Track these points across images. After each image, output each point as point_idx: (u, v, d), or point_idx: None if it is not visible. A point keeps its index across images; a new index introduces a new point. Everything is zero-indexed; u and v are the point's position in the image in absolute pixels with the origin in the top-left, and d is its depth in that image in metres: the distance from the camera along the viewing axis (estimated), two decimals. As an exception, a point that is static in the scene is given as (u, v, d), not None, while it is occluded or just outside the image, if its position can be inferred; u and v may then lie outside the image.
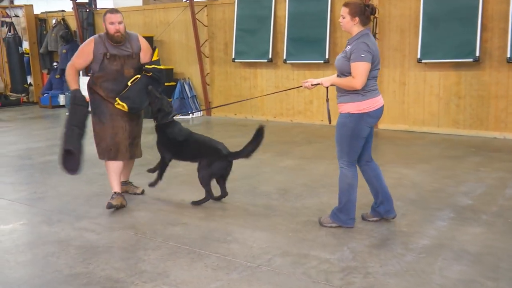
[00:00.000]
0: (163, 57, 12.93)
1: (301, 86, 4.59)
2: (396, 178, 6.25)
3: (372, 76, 4.35)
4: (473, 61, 8.70)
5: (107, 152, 5.21)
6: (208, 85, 12.24)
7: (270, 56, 10.95)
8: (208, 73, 12.18)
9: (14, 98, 14.84)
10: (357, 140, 4.39)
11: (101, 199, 5.56)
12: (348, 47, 4.34)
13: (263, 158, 7.46)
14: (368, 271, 3.67)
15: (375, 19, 9.46)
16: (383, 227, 4.55)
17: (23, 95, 14.98)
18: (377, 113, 4.42)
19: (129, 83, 5.18)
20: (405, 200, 5.35)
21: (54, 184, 6.22)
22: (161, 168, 5.42)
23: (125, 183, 5.70)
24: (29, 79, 15.19)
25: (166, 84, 12.26)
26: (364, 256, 3.94)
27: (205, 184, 5.20)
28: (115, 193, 5.16)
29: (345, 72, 4.34)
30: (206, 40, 12.05)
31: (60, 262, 3.97)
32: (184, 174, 6.67)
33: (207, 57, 12.12)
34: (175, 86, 12.34)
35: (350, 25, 4.36)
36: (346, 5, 4.38)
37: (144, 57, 5.28)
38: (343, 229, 4.51)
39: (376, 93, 4.42)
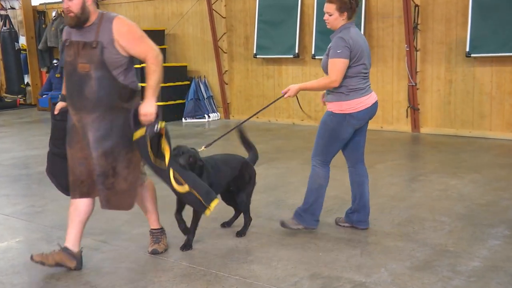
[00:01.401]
0: (175, 53, 13.05)
1: (283, 96, 4.81)
2: (442, 189, 6.19)
3: (355, 73, 4.54)
4: (531, 54, 8.58)
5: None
6: (227, 84, 12.29)
7: (296, 51, 10.95)
8: (226, 70, 12.23)
9: (9, 100, 15.10)
10: (336, 141, 4.66)
11: (107, 214, 5.60)
12: (330, 44, 4.59)
13: (289, 166, 7.46)
14: (409, 297, 3.63)
15: (416, 8, 9.42)
16: (427, 246, 4.51)
17: (19, 96, 15.24)
18: (363, 115, 4.62)
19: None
20: (451, 215, 5.29)
21: (54, 197, 6.28)
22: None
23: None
24: (27, 79, 15.46)
25: (179, 83, 12.37)
26: (404, 279, 3.90)
27: (249, 205, 4.99)
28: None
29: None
30: (224, 33, 12.12)
31: (60, 285, 4.01)
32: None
33: (225, 52, 12.18)
34: (189, 86, 12.42)
35: (338, 22, 4.60)
36: (331, 1, 4.59)
37: (127, 46, 4.12)
38: (380, 248, 4.48)
39: (362, 92, 4.61)
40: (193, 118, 12.27)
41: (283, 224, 4.87)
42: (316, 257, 4.35)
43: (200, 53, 12.72)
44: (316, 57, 10.65)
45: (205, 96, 12.40)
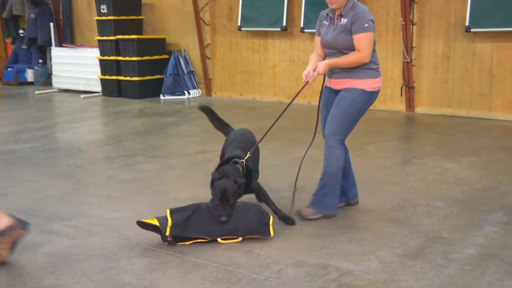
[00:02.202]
0: (153, 24, 12.95)
1: (306, 84, 4.81)
2: (437, 173, 6.23)
3: (374, 48, 4.71)
4: (534, 30, 8.61)
5: None
6: (209, 58, 12.24)
7: (284, 24, 10.91)
8: (208, 44, 12.17)
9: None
10: (358, 120, 4.82)
11: (77, 197, 5.59)
12: (344, 20, 4.65)
13: (274, 147, 7.46)
14: (399, 286, 3.66)
15: (413, -22, 9.41)
16: (420, 232, 4.54)
17: (-18, 70, 15.07)
18: (379, 91, 4.88)
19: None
20: (447, 201, 5.33)
21: (20, 178, 6.25)
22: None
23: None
24: (-10, 50, 15.27)
25: (157, 57, 12.29)
26: (395, 267, 3.93)
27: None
28: None
29: (350, 47, 4.67)
30: (206, 3, 12.03)
31: (25, 272, 3.99)
32: (178, 167, 6.69)
33: (207, 24, 12.10)
34: (168, 60, 12.35)
35: (343, 1, 4.66)
36: None
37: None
38: (370, 235, 4.51)
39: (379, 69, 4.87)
40: (172, 95, 12.22)
41: (299, 214, 4.84)
42: (301, 243, 4.37)
43: (180, 25, 12.62)
44: (306, 30, 10.62)
45: (185, 72, 12.34)
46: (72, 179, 6.24)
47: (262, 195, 4.79)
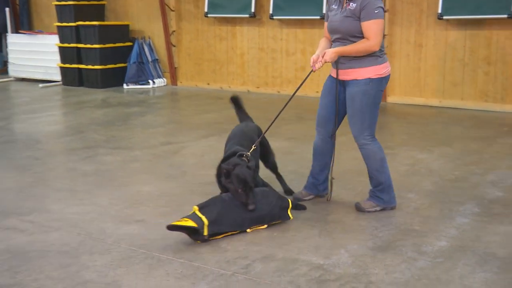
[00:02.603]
0: (116, 10, 12.82)
1: (313, 71, 4.82)
2: (409, 164, 6.29)
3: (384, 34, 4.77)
4: (508, 17, 8.74)
5: None
6: (174, 46, 12.17)
7: (252, 10, 10.90)
8: (173, 31, 12.10)
9: None
10: (377, 109, 4.80)
11: (35, 191, 5.52)
12: (352, 4, 4.60)
13: (243, 139, 7.45)
14: (370, 280, 3.70)
15: (385, -36, 9.46)
16: (391, 225, 4.59)
17: None
18: (389, 77, 4.87)
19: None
20: (419, 192, 5.39)
21: (-26, 172, 6.16)
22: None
23: None
24: None
25: (120, 44, 12.18)
26: (366, 261, 3.97)
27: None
28: None
29: (355, 34, 4.62)
30: (171, -12, 11.96)
31: (-19, 269, 3.93)
32: (142, 159, 6.66)
33: (173, 10, 12.02)
34: (131, 47, 12.25)
35: None
36: None
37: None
38: (341, 228, 4.54)
39: (385, 55, 4.84)
40: (135, 84, 12.14)
41: (358, 207, 4.92)
42: (270, 237, 4.38)
43: (144, 11, 12.52)
44: (275, 17, 10.62)
45: (150, 60, 12.26)
46: (30, 172, 6.16)
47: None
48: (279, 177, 5.37)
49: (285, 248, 4.18)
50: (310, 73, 4.96)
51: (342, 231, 4.48)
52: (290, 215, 4.62)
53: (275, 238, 4.36)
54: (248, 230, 4.45)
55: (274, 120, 5.07)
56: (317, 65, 4.69)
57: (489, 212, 4.85)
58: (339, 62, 4.74)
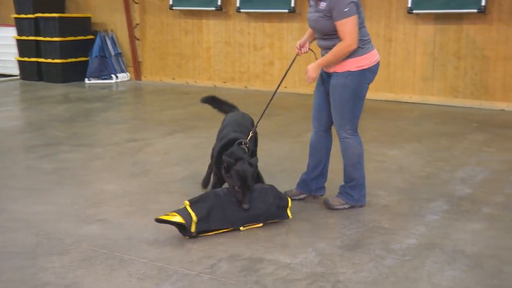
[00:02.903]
0: (77, 1, 12.69)
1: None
2: (379, 161, 6.35)
3: (362, 22, 4.68)
4: (478, 12, 8.86)
5: None
6: (138, 39, 12.09)
7: (219, 3, 10.88)
8: (137, 24, 12.02)
9: None
10: (360, 102, 4.80)
11: (-9, 190, 5.46)
12: (323, 4, 4.61)
13: (210, 135, 7.42)
14: (338, 279, 3.72)
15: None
16: (359, 222, 4.63)
17: None
18: (377, 68, 4.83)
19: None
20: (388, 189, 5.44)
21: None
22: None
23: None
24: None
25: (81, 37, 12.07)
26: (334, 259, 3.99)
27: None
28: None
29: (330, 33, 4.64)
30: (135, -20, 11.88)
31: None
32: (105, 156, 6.61)
33: (136, 3, 11.95)
34: (93, 41, 12.14)
35: None
36: None
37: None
38: (308, 226, 4.57)
39: (372, 44, 4.83)
40: (98, 79, 12.04)
41: (327, 204, 4.93)
42: (236, 236, 4.38)
43: (106, 3, 12.42)
44: (242, 10, 10.62)
45: (112, 54, 12.17)
46: (-14, 170, 6.08)
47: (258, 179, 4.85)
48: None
49: (251, 247, 4.19)
50: (295, 58, 5.07)
51: (310, 230, 4.50)
52: (289, 214, 4.59)
53: (241, 237, 4.37)
54: (241, 228, 4.44)
55: (264, 111, 5.15)
56: (303, 50, 4.94)
57: (458, 209, 4.92)
58: (322, 55, 4.79)
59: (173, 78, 11.91)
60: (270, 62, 10.62)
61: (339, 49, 4.59)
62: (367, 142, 7.09)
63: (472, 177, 5.78)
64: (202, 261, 3.97)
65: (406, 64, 9.63)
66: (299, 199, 5.09)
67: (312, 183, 5.09)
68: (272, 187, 4.68)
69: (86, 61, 12.11)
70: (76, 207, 5.00)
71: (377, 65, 4.80)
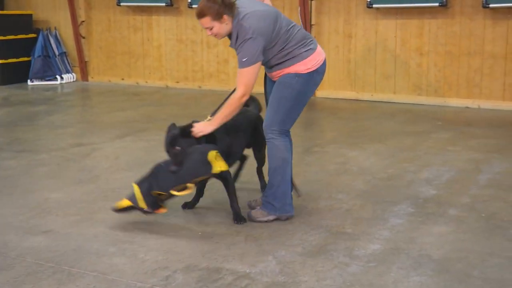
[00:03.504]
0: (17, -2, 12.50)
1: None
2: (340, 163, 6.39)
3: (295, 32, 4.63)
4: (440, 5, 9.01)
5: None
6: (84, 38, 11.97)
7: (169, -2, 10.84)
8: (83, 21, 11.91)
9: None
10: (300, 105, 4.76)
11: None
12: (232, 41, 4.62)
13: (160, 138, 7.36)
14: (300, 288, 3.74)
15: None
16: (321, 228, 4.65)
17: None
18: (324, 68, 4.79)
19: None
20: (350, 192, 5.48)
21: None
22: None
23: None
24: None
25: (22, 36, 11.89)
26: (295, 267, 4.00)
27: None
28: None
29: (273, 63, 4.72)
30: (79, -26, 11.76)
31: None
32: (50, 162, 6.52)
33: (81, -2, 11.83)
34: (35, 40, 11.97)
35: (225, 29, 4.57)
36: (201, 15, 4.52)
37: None
38: (268, 233, 4.57)
39: (316, 43, 4.80)
40: (41, 80, 11.89)
41: (250, 217, 4.77)
42: (192, 245, 4.36)
43: (49, -1, 12.27)
44: (194, 6, 10.57)
45: (57, 53, 12.04)
46: None
47: (225, 183, 4.79)
48: (260, 172, 5.37)
49: (208, 256, 4.17)
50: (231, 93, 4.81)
51: (269, 237, 4.50)
52: (215, 167, 4.48)
53: (197, 246, 4.35)
54: (175, 192, 4.50)
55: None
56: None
57: (423, 212, 4.98)
58: (268, 67, 4.77)
59: (122, 79, 11.81)
60: (225, 60, 10.62)
61: (231, 100, 4.57)
62: (326, 143, 7.16)
63: (437, 178, 5.86)
64: (156, 273, 3.94)
65: (367, 61, 9.73)
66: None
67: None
68: (205, 146, 4.60)
69: (28, 62, 11.94)
70: (19, 217, 4.91)
71: (323, 65, 4.75)
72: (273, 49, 4.59)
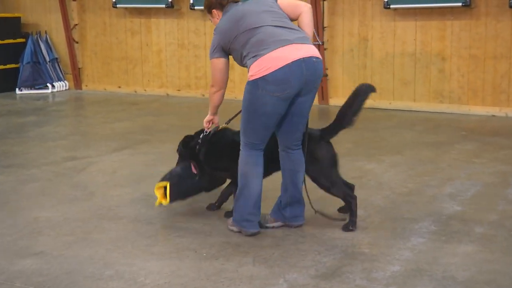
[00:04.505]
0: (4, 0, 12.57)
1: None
2: (356, 176, 6.37)
3: (249, 37, 4.72)
4: (463, 5, 9.01)
5: None
6: (77, 42, 12.03)
7: (170, 0, 10.87)
8: (76, 24, 11.96)
9: None
10: (255, 118, 4.75)
11: None
12: None
13: (162, 151, 7.43)
14: (314, 314, 3.73)
15: None
16: (336, 248, 4.63)
17: None
18: (281, 76, 4.59)
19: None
20: (367, 208, 5.46)
21: None
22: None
23: None
24: None
25: (10, 41, 11.94)
26: (308, 291, 4.00)
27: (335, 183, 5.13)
28: None
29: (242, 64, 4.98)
30: (72, -26, 11.82)
31: None
32: (41, 178, 6.53)
33: (74, 0, 11.87)
34: (24, 45, 12.02)
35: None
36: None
37: None
38: (278, 253, 4.56)
39: (276, 45, 4.64)
40: (31, 89, 11.94)
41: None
42: (196, 267, 4.36)
43: (38, 1, 12.32)
44: (196, 7, 10.63)
45: (47, 59, 12.08)
46: None
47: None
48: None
49: (213, 279, 4.17)
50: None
51: (280, 258, 4.49)
52: (158, 200, 5.24)
53: (202, 268, 4.34)
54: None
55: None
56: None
57: (447, 230, 4.96)
58: None
59: (119, 87, 11.85)
60: (230, 66, 10.59)
61: (210, 93, 5.15)
62: (341, 155, 7.08)
63: (462, 193, 5.84)
64: (157, 298, 3.94)
65: (384, 67, 9.73)
66: (273, 227, 5.03)
67: (285, 211, 5.03)
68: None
69: (17, 69, 11.99)
70: (8, 238, 4.92)
71: (278, 72, 4.56)
72: (236, 51, 4.83)
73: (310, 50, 4.74)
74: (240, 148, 4.86)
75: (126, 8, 11.41)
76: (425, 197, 5.77)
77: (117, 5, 11.34)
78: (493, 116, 9.20)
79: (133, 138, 8.13)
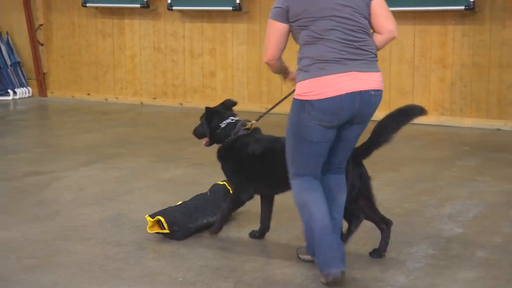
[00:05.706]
0: (-37, -3, 12.55)
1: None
2: (347, 195, 6.40)
3: (305, 36, 4.41)
4: (466, 9, 9.04)
5: None
6: (42, 45, 12.02)
7: (145, -1, 10.90)
8: (41, 25, 11.95)
9: None
10: (301, 143, 4.52)
11: None
12: None
13: (136, 165, 7.43)
14: None
15: None
16: (326, 273, 4.65)
17: None
18: (329, 106, 4.37)
19: None
20: (360, 230, 5.45)
21: None
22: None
23: None
24: None
25: (-31, 43, 11.89)
26: (294, 321, 4.01)
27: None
28: None
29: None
30: (38, -31, 11.84)
31: None
32: (0, 194, 6.52)
33: (40, -2, 11.89)
34: (-16, 47, 12.02)
35: None
36: None
37: None
38: (262, 278, 4.56)
39: (330, 70, 4.37)
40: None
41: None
42: (171, 294, 4.37)
43: (1, -1, 12.33)
44: (174, 7, 10.65)
45: (9, 63, 12.06)
46: None
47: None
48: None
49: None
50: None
51: (263, 283, 4.49)
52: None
53: (177, 295, 4.36)
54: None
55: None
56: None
57: (446, 254, 4.98)
58: None
59: (89, 94, 11.84)
60: (211, 73, 10.65)
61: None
62: (333, 171, 7.16)
63: (463, 213, 5.87)
64: (128, 327, 3.95)
65: (380, 74, 9.77)
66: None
67: None
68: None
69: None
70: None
71: (324, 102, 4.34)
72: (297, 36, 4.51)
73: (370, 83, 4.45)
74: (291, 179, 4.66)
75: (97, 7, 11.41)
76: (423, 218, 5.79)
77: (87, 4, 11.34)
78: (498, 130, 9.23)
79: (103, 151, 8.11)
